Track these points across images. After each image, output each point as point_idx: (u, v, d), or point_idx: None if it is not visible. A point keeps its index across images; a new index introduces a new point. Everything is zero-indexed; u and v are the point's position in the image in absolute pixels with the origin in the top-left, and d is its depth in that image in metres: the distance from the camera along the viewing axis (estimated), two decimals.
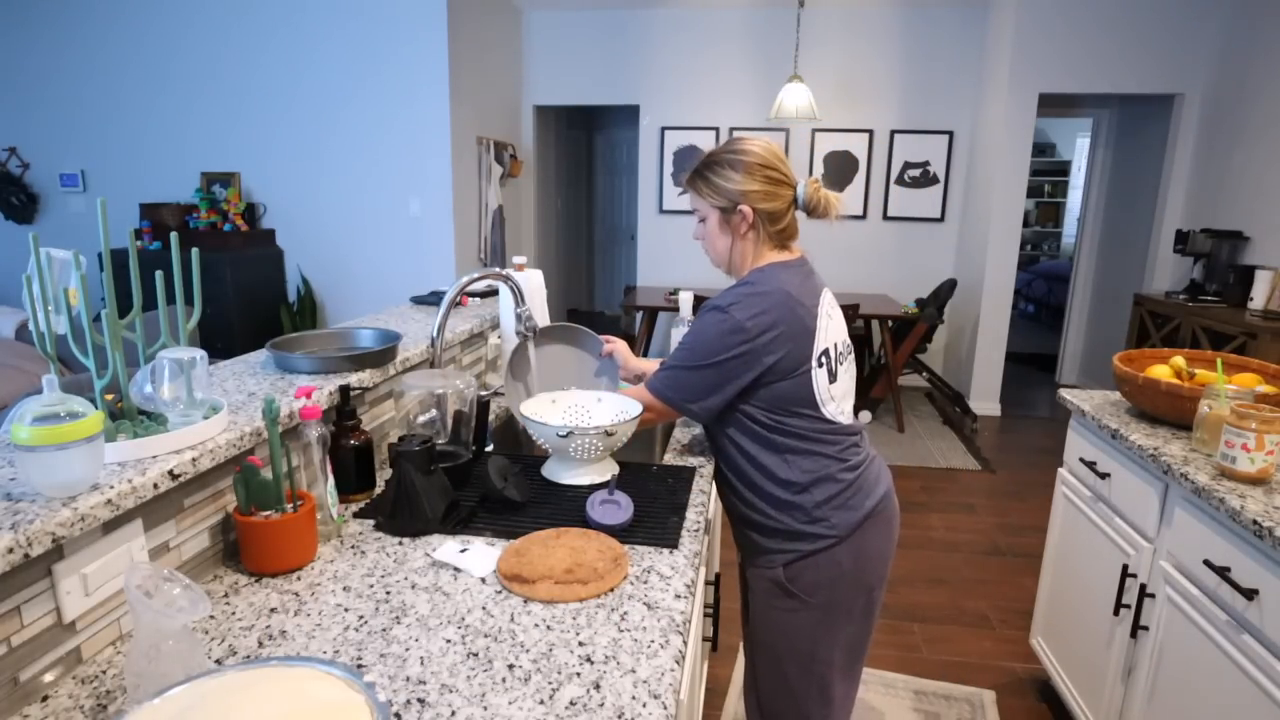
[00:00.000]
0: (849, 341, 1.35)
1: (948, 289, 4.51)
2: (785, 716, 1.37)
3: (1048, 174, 8.62)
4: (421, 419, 1.37)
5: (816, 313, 1.25)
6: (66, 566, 0.80)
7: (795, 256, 1.31)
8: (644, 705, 0.76)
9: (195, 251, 1.07)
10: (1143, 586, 1.54)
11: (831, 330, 1.28)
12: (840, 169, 5.25)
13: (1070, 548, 1.90)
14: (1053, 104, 4.93)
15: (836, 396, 1.28)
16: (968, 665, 2.25)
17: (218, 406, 1.04)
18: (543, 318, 1.82)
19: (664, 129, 5.41)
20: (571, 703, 0.76)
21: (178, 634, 0.70)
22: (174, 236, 1.04)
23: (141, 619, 0.68)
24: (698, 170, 1.30)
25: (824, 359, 1.25)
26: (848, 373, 1.33)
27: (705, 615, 1.49)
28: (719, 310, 1.22)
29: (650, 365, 1.61)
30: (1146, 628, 1.53)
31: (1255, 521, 1.19)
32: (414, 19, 4.30)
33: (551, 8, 5.30)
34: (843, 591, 1.29)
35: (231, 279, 4.34)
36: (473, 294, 2.20)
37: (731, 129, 5.33)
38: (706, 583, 1.54)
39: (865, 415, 4.53)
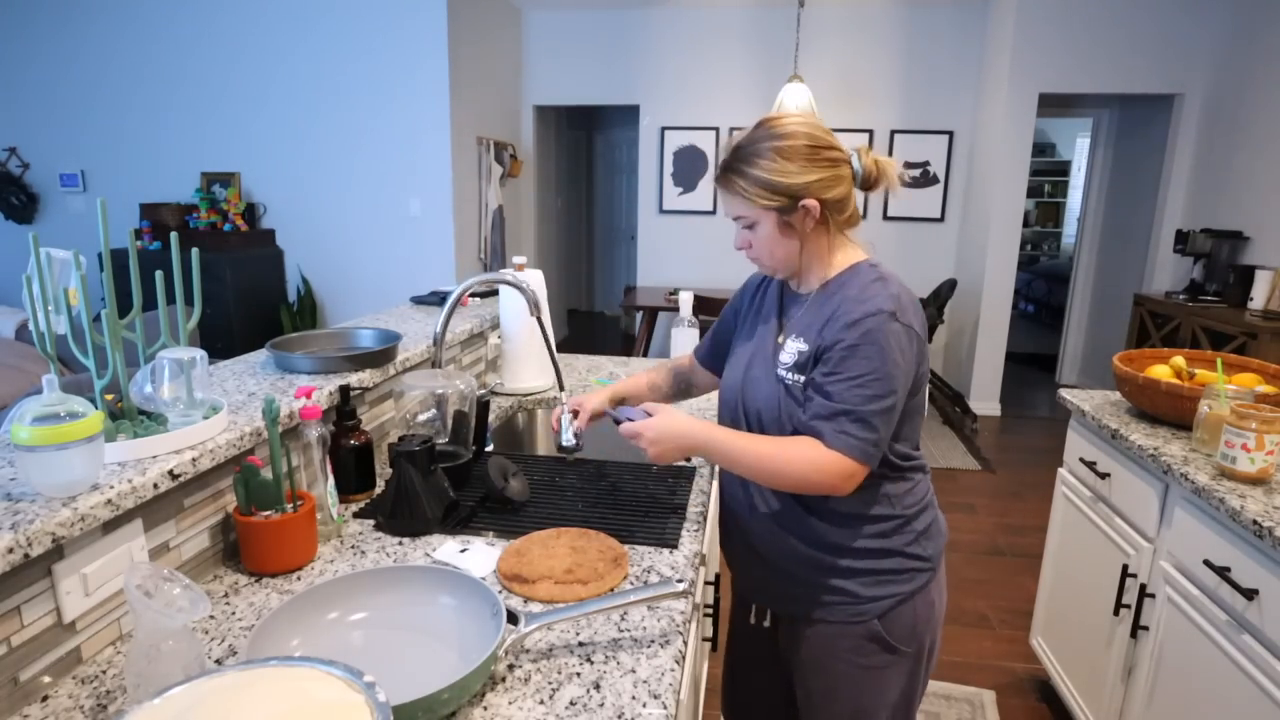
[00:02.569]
0: None
1: (948, 289, 4.51)
2: None
3: (1048, 174, 8.62)
4: (421, 419, 1.37)
5: None
6: (66, 566, 0.80)
7: (874, 258, 1.11)
8: (644, 705, 0.76)
9: (195, 251, 1.07)
10: (1143, 586, 1.54)
11: None
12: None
13: (1070, 548, 1.90)
14: (1053, 104, 4.93)
15: None
16: (968, 665, 2.25)
17: (218, 406, 1.04)
18: (545, 318, 1.82)
19: (664, 129, 5.41)
20: (571, 703, 0.76)
21: (178, 634, 0.70)
22: (174, 236, 1.04)
23: (141, 619, 0.68)
24: (732, 167, 1.03)
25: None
26: None
27: (705, 615, 1.49)
28: (891, 317, 0.98)
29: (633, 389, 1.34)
30: (1146, 628, 1.52)
31: (1255, 521, 1.19)
32: (414, 19, 4.30)
33: (551, 8, 5.30)
34: (932, 632, 1.13)
35: (231, 279, 4.34)
36: (473, 293, 2.20)
37: (731, 129, 5.31)
38: (706, 583, 1.54)
39: None
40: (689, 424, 1.06)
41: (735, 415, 1.15)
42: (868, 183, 1.07)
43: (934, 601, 1.11)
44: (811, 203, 1.02)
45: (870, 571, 1.07)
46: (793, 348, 1.06)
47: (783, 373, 1.07)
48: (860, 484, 1.00)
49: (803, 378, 1.04)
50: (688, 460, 1.43)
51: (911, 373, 1.01)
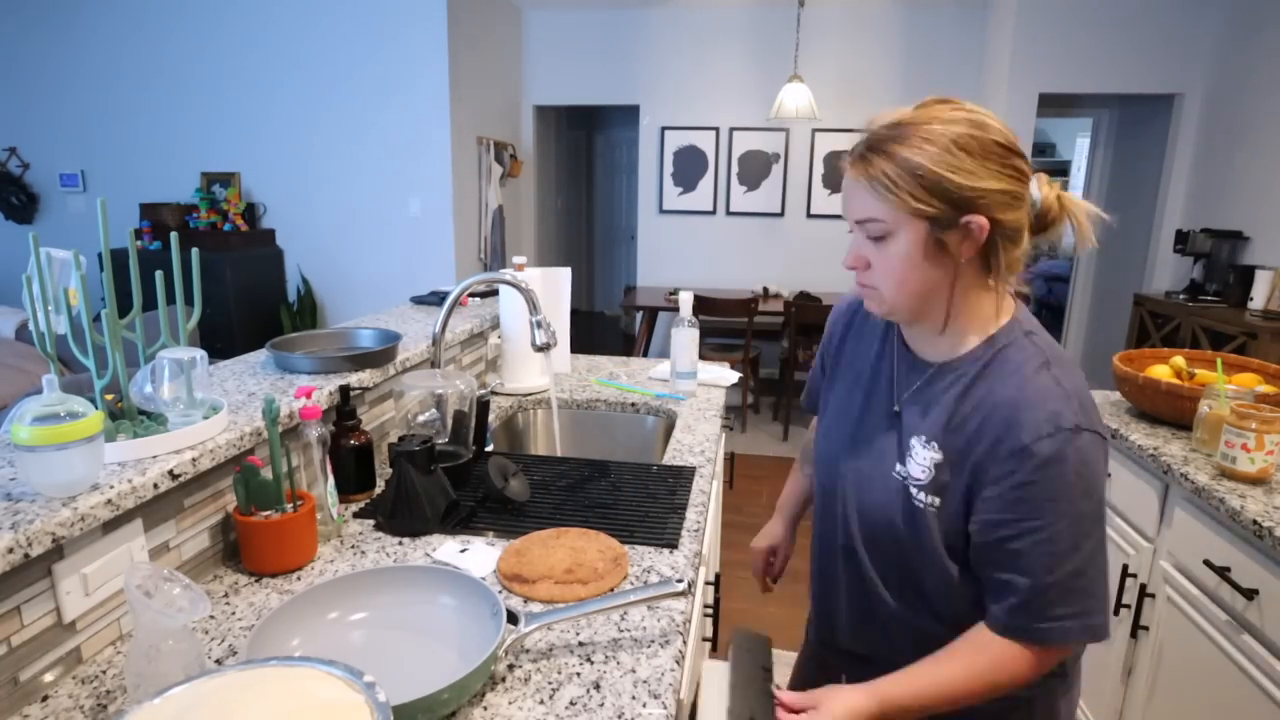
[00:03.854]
0: None
1: None
2: None
3: (1047, 174, 8.61)
4: (421, 419, 1.37)
5: None
6: (66, 566, 0.80)
7: (1020, 313, 0.84)
8: (644, 705, 0.76)
9: (195, 251, 1.07)
10: (1143, 586, 1.54)
11: None
12: (841, 169, 5.24)
13: None
14: (1053, 104, 4.93)
15: None
16: None
17: (218, 406, 1.04)
18: (563, 321, 1.84)
19: (664, 129, 5.41)
20: (571, 703, 0.76)
21: (178, 634, 0.70)
22: (174, 236, 1.04)
23: (141, 619, 0.68)
24: (879, 147, 0.76)
25: None
26: None
27: (705, 615, 1.49)
28: (1076, 432, 0.73)
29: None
30: (1146, 628, 1.53)
31: (1255, 521, 1.19)
32: (414, 19, 4.30)
33: (551, 8, 5.30)
34: None
35: (231, 279, 4.34)
36: (473, 293, 2.20)
37: (731, 129, 5.33)
38: (706, 583, 1.54)
39: None
40: (858, 700, 0.79)
41: (831, 503, 0.95)
42: (1042, 222, 0.80)
43: (1059, 711, 0.90)
44: (980, 221, 0.74)
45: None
46: (924, 457, 0.81)
47: (915, 491, 0.83)
48: None
49: (938, 500, 0.80)
50: (691, 466, 1.43)
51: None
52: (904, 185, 0.74)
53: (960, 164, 0.73)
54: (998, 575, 0.77)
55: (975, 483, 0.78)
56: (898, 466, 0.85)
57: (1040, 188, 0.79)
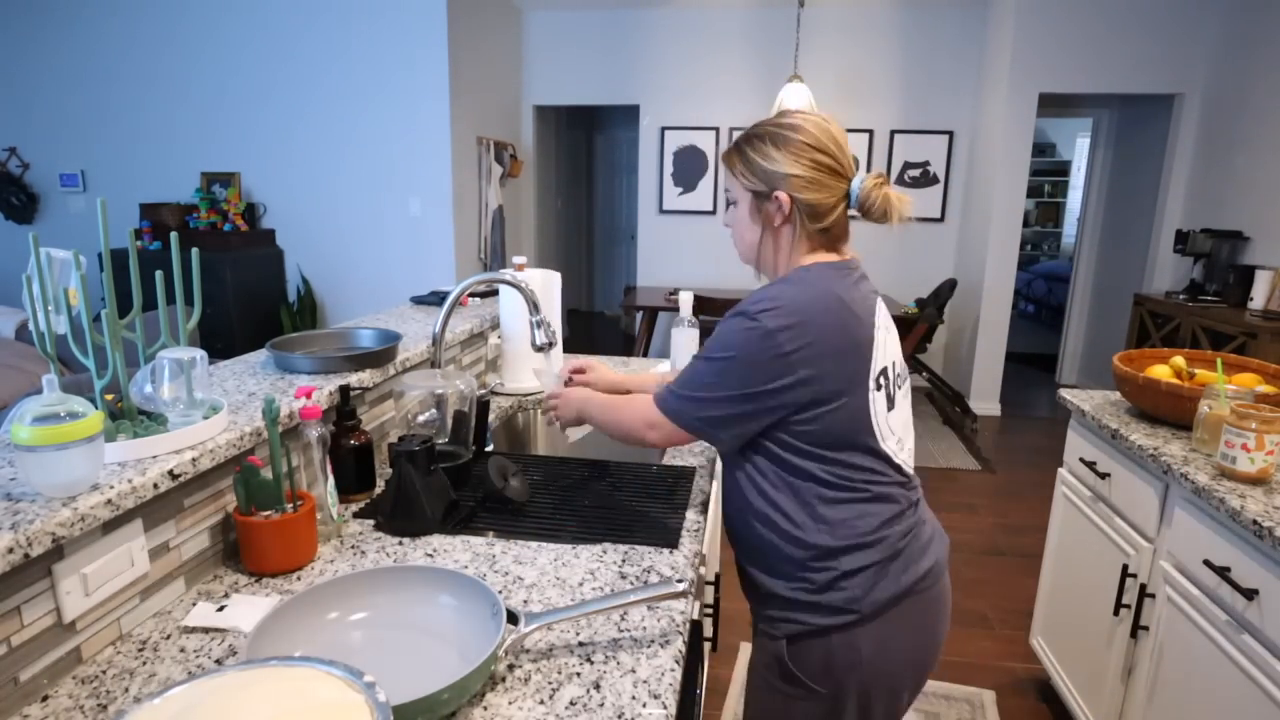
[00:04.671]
0: (905, 365, 1.10)
1: (948, 289, 4.51)
2: None
3: (1048, 174, 8.62)
4: (421, 419, 1.37)
5: (873, 323, 1.00)
6: (66, 566, 0.80)
7: (844, 258, 1.06)
8: (644, 705, 0.76)
9: (195, 251, 1.07)
10: (1143, 586, 1.54)
11: (889, 347, 1.03)
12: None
13: (1070, 548, 1.90)
14: (1053, 104, 4.93)
15: (896, 429, 1.03)
16: (968, 665, 2.25)
17: (218, 406, 1.04)
18: (555, 320, 1.82)
19: (664, 129, 5.41)
20: (571, 703, 0.76)
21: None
22: (174, 236, 1.04)
23: None
24: (736, 144, 1.08)
25: (881, 380, 1.00)
26: (906, 400, 1.07)
27: (705, 615, 1.49)
28: (745, 317, 0.96)
29: (623, 380, 1.39)
30: (1146, 628, 1.53)
31: (1255, 521, 1.19)
32: (414, 19, 4.30)
33: (551, 8, 5.30)
34: (857, 683, 1.00)
35: (231, 279, 4.34)
36: (473, 293, 2.20)
37: (731, 129, 5.33)
38: (706, 583, 1.54)
39: None
40: (582, 391, 1.24)
41: None
42: (866, 209, 1.03)
43: (859, 649, 0.99)
44: (782, 196, 1.02)
45: (776, 595, 1.03)
46: None
47: None
48: (682, 443, 1.09)
49: None
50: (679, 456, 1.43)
51: (779, 374, 0.95)
52: (741, 168, 1.06)
53: (771, 155, 1.03)
54: None
55: None
56: None
57: (864, 182, 1.03)
